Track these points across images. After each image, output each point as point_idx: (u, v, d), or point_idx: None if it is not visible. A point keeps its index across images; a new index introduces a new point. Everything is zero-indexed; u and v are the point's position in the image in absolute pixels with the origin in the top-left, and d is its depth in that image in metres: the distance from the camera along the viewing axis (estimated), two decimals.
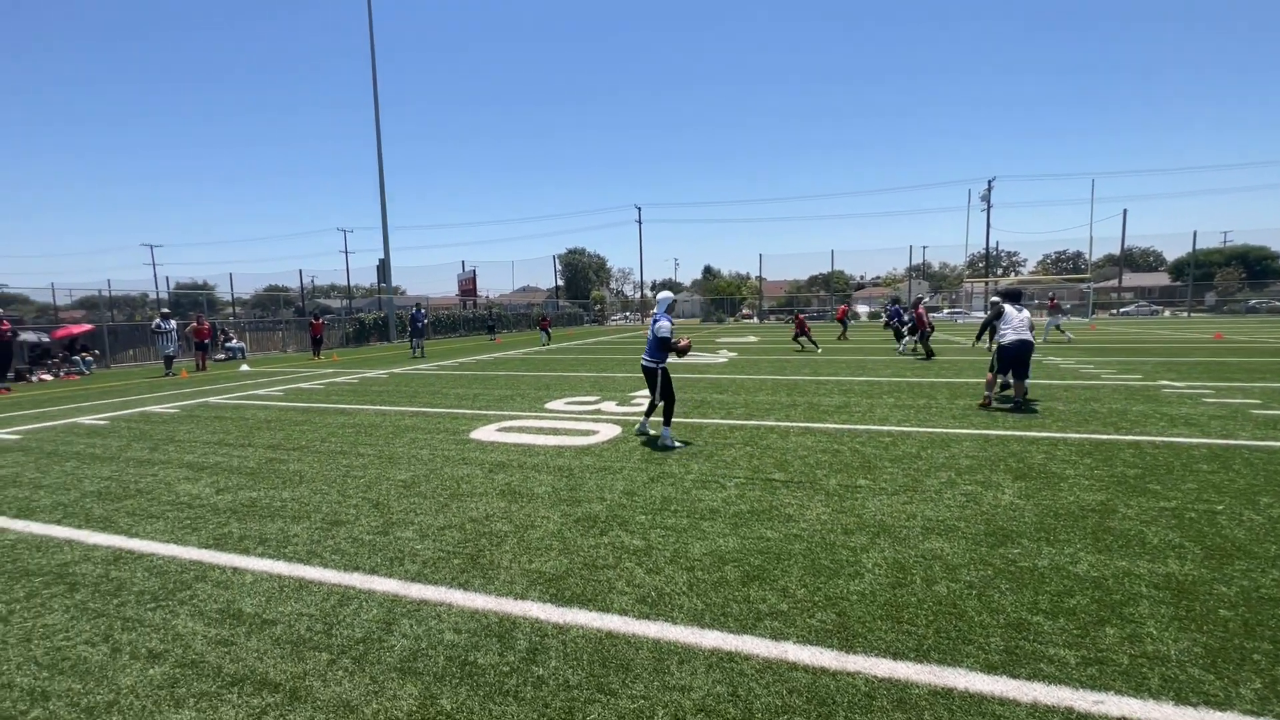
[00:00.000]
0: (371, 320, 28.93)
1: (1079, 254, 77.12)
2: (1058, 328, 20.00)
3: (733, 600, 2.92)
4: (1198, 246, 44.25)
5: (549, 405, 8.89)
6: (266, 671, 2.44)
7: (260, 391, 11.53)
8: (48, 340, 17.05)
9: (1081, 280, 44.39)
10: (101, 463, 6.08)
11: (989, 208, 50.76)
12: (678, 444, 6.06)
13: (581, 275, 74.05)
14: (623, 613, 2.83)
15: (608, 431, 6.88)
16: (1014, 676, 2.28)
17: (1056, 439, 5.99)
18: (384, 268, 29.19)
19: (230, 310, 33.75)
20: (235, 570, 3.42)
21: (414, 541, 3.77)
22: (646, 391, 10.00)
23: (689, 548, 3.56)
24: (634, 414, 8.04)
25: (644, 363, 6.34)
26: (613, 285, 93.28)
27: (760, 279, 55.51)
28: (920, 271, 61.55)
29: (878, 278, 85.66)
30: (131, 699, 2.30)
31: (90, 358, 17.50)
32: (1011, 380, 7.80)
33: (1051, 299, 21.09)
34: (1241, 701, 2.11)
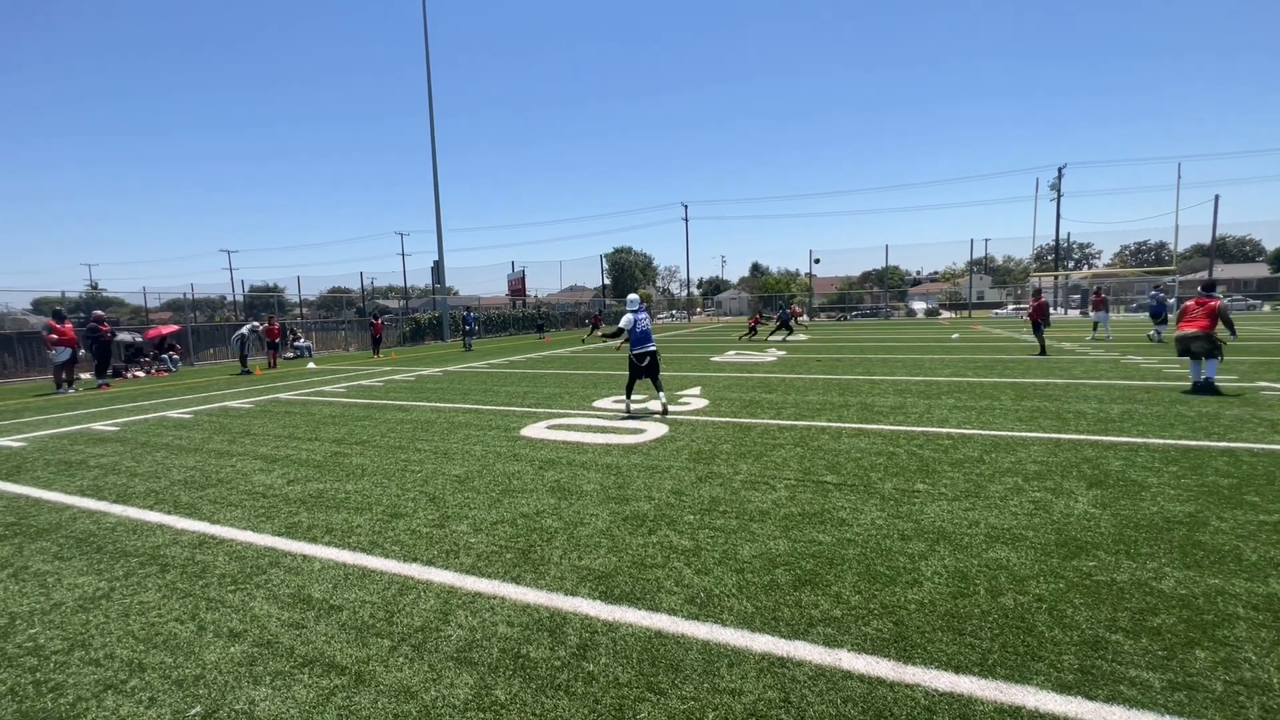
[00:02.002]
0: (427, 320, 30.02)
1: (1162, 244, 71.57)
2: (1096, 325, 18.50)
3: (784, 604, 2.87)
4: None
5: (597, 404, 8.98)
6: (334, 655, 2.58)
7: (326, 388, 12.17)
8: (140, 340, 18.55)
9: (1165, 273, 41.02)
10: (187, 454, 6.57)
11: (1059, 197, 47.76)
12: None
13: (628, 274, 74.47)
14: (672, 612, 2.83)
15: (656, 430, 6.88)
16: (1090, 698, 2.14)
17: (1137, 444, 5.58)
18: (438, 269, 30.21)
19: (298, 311, 35.77)
20: (305, 558, 3.62)
21: (468, 535, 3.89)
22: (695, 390, 9.97)
23: (738, 549, 3.52)
24: (683, 412, 8.02)
25: (653, 348, 7.92)
26: (659, 283, 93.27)
27: (811, 275, 54.21)
28: (982, 266, 58.53)
29: (935, 273, 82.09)
30: (215, 674, 2.48)
31: (177, 356, 18.94)
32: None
33: (1097, 293, 19.00)
34: None
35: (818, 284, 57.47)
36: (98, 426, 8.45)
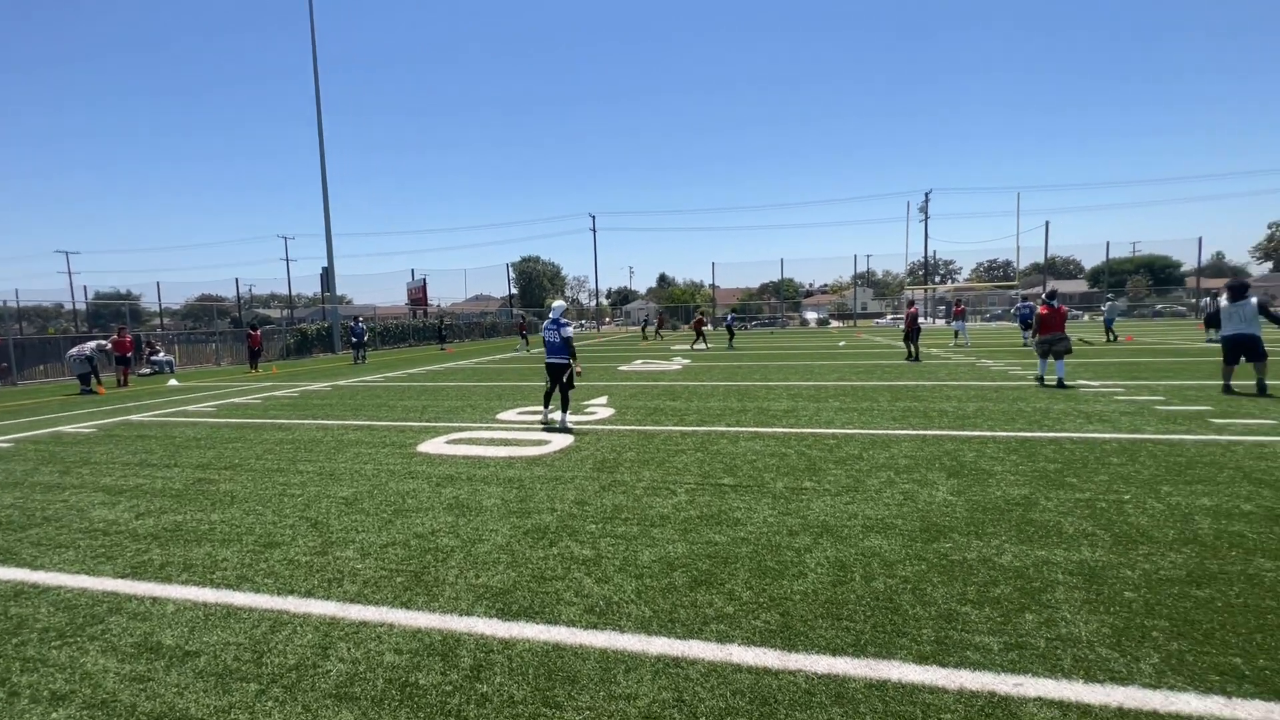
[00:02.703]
0: (314, 331, 27.73)
1: (1008, 262, 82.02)
2: (956, 334, 21.15)
3: (680, 606, 2.95)
4: (1110, 256, 47.85)
5: (501, 416, 8.75)
6: (187, 708, 2.30)
7: (190, 407, 10.85)
8: None
9: (1010, 287, 47.23)
10: (2, 490, 5.58)
11: (926, 219, 53.46)
12: (571, 425, 7.54)
13: (536, 283, 73.43)
14: (570, 624, 2.81)
15: (560, 441, 6.82)
16: (943, 665, 2.40)
17: (986, 437, 6.35)
18: (328, 276, 28.08)
19: (157, 321, 31.68)
20: (155, 600, 3.20)
21: (354, 561, 3.63)
22: (601, 400, 10.00)
23: (638, 555, 3.57)
24: (589, 421, 8.01)
25: (556, 361, 7.67)
26: (568, 293, 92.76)
27: (714, 287, 56.42)
28: (864, 279, 63.93)
29: (825, 286, 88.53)
30: None
31: None
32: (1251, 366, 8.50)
33: (957, 305, 22.13)
34: (1141, 676, 2.29)
35: (720, 295, 59.92)
36: None
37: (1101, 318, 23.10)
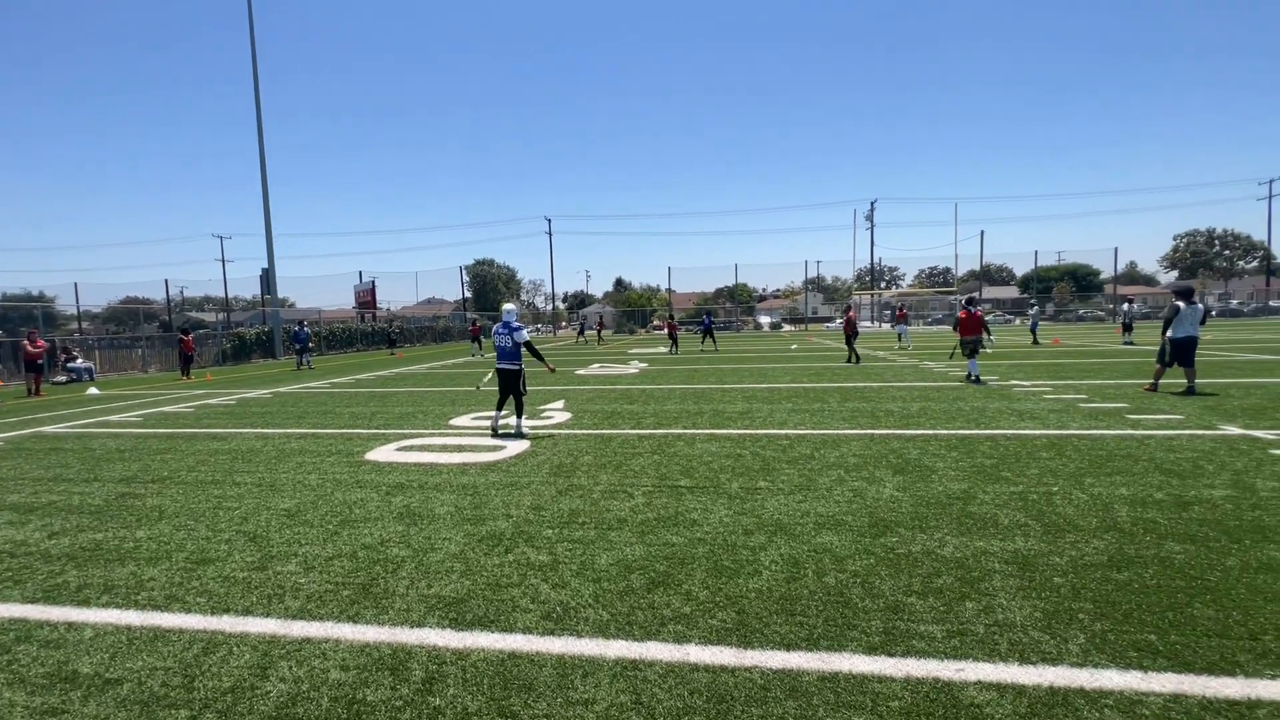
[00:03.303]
0: (254, 335, 26.34)
1: (947, 269, 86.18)
2: (900, 336, 22.14)
3: (638, 608, 2.95)
4: (1039, 264, 51.06)
5: (454, 422, 8.54)
6: None
7: (113, 418, 10.11)
8: None
9: (950, 293, 49.69)
10: None
11: (872, 227, 55.60)
12: (527, 431, 7.39)
13: (490, 287, 72.15)
14: (526, 631, 2.76)
15: (516, 447, 6.72)
16: (890, 655, 2.48)
17: (929, 436, 6.64)
18: (268, 277, 26.74)
19: (75, 325, 29.38)
20: (70, 625, 2.96)
21: (297, 575, 3.46)
22: (558, 404, 9.91)
23: (596, 559, 3.55)
24: (546, 426, 7.92)
25: (506, 367, 7.36)
26: (524, 296, 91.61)
27: (670, 291, 56.91)
28: (815, 285, 65.88)
29: (778, 290, 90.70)
30: None
31: None
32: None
33: (900, 310, 23.19)
34: (1070, 656, 2.44)
35: (676, 299, 60.49)
36: None
37: (1028, 323, 24.70)
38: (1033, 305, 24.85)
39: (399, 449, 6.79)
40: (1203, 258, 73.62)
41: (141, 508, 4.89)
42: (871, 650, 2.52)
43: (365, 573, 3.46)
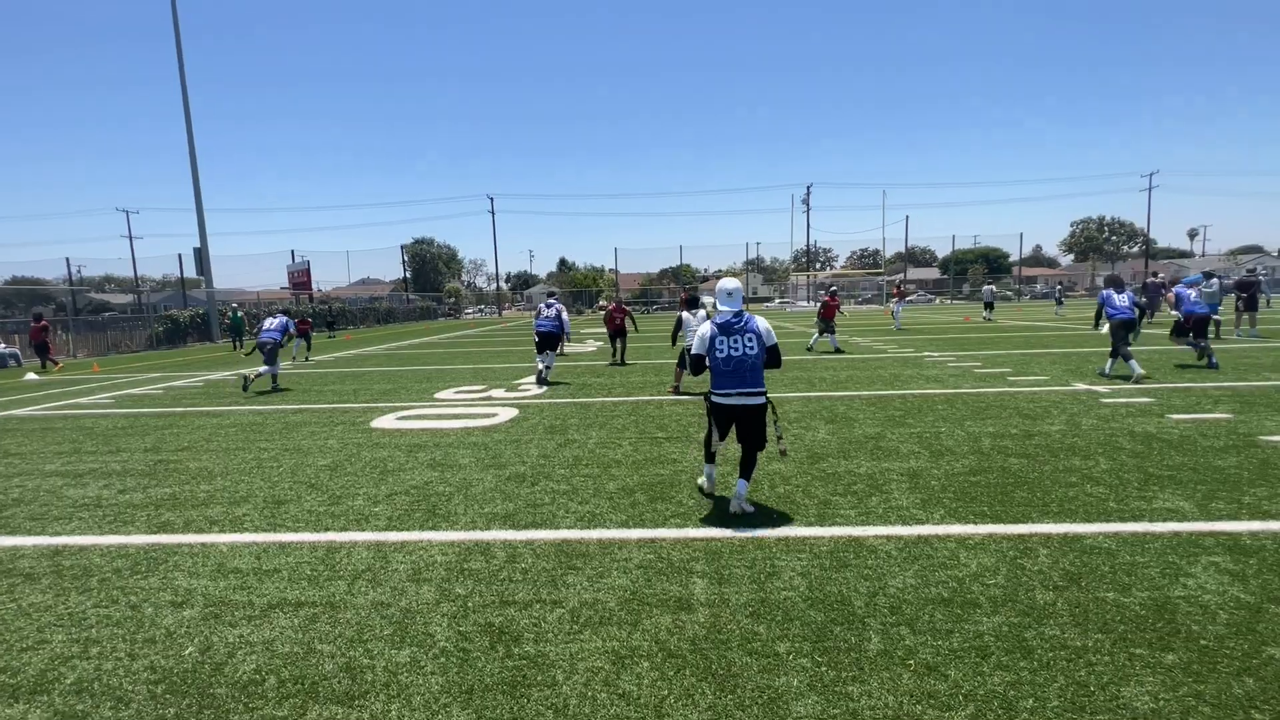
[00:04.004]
0: (189, 318, 25.28)
1: (877, 251, 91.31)
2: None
3: (646, 513, 4.06)
4: (956, 247, 55.37)
5: (439, 396, 9.31)
6: (297, 596, 3.03)
7: (82, 400, 10.15)
8: None
9: (878, 274, 53.22)
10: None
11: (808, 210, 58.30)
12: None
13: (430, 266, 70.37)
14: (570, 528, 3.82)
15: (506, 414, 7.64)
16: (822, 526, 3.72)
17: (854, 396, 8.08)
18: (201, 257, 25.61)
19: None
20: (204, 545, 3.75)
21: (368, 506, 4.35)
22: (531, 379, 10.80)
23: (605, 486, 4.63)
24: (526, 397, 8.84)
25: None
26: (465, 277, 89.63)
27: (615, 272, 57.71)
28: (755, 266, 68.40)
29: (719, 271, 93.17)
30: (166, 636, 2.78)
31: None
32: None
33: (831, 296, 24.09)
34: (932, 520, 3.75)
35: (622, 280, 61.38)
36: None
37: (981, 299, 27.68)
38: (988, 284, 27.87)
39: (399, 419, 7.56)
40: (1094, 242, 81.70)
41: (187, 469, 5.52)
42: (809, 524, 3.75)
43: (425, 503, 4.39)
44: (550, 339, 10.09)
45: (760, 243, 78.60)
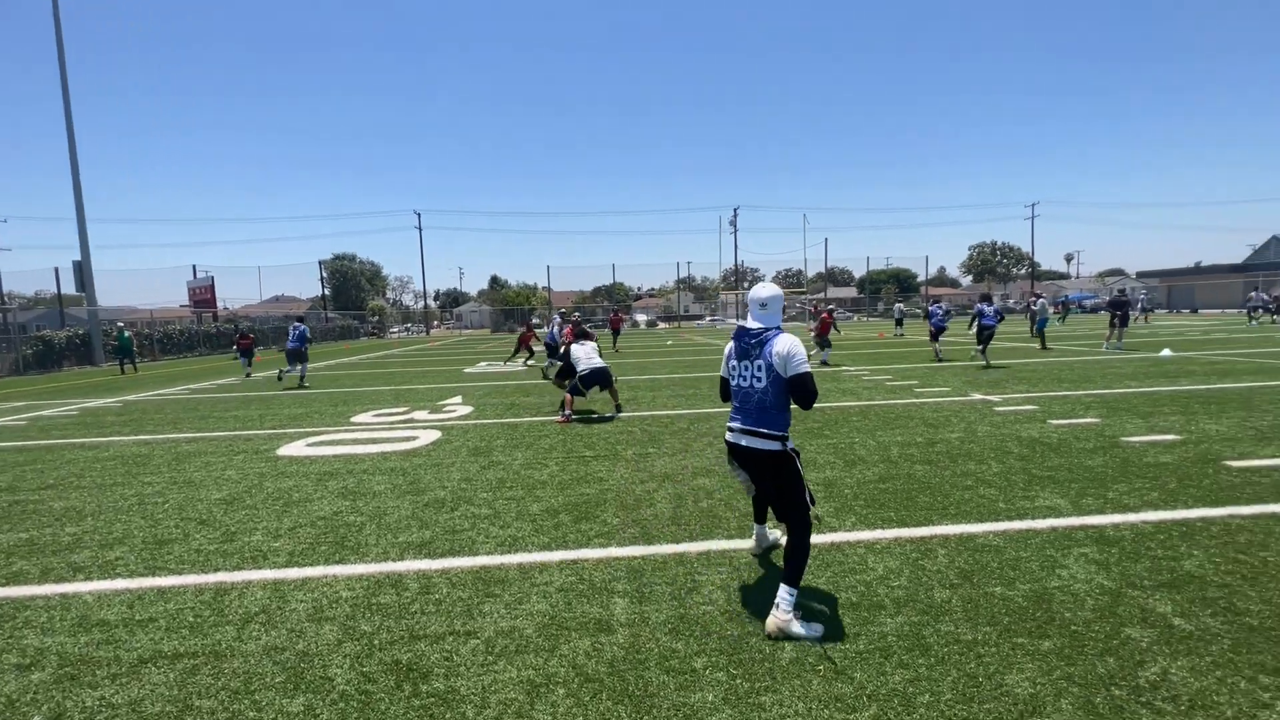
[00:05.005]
0: (65, 339, 22.62)
1: (799, 271, 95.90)
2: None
3: (570, 534, 4.00)
4: (870, 268, 59.18)
5: (355, 419, 8.81)
6: (175, 647, 2.73)
7: None
8: None
9: (801, 293, 55.92)
10: None
11: (735, 232, 60.49)
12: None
13: (352, 284, 66.96)
14: (489, 554, 3.69)
15: (428, 436, 7.33)
16: (743, 538, 3.80)
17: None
18: (83, 271, 23.08)
19: None
20: (64, 596, 3.32)
21: (268, 541, 4.01)
22: (456, 399, 10.45)
23: (529, 508, 4.52)
24: (451, 418, 8.53)
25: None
26: (389, 294, 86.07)
27: (549, 289, 57.28)
28: (686, 284, 70.03)
29: (653, 289, 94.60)
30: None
31: None
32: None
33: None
34: (845, 527, 3.93)
35: (555, 298, 60.98)
36: None
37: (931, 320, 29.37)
38: (899, 302, 29.80)
39: (310, 445, 7.07)
40: (989, 265, 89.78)
41: (50, 510, 4.89)
42: (729, 537, 3.82)
43: (332, 535, 4.11)
44: (601, 376, 8.39)
45: (691, 262, 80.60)
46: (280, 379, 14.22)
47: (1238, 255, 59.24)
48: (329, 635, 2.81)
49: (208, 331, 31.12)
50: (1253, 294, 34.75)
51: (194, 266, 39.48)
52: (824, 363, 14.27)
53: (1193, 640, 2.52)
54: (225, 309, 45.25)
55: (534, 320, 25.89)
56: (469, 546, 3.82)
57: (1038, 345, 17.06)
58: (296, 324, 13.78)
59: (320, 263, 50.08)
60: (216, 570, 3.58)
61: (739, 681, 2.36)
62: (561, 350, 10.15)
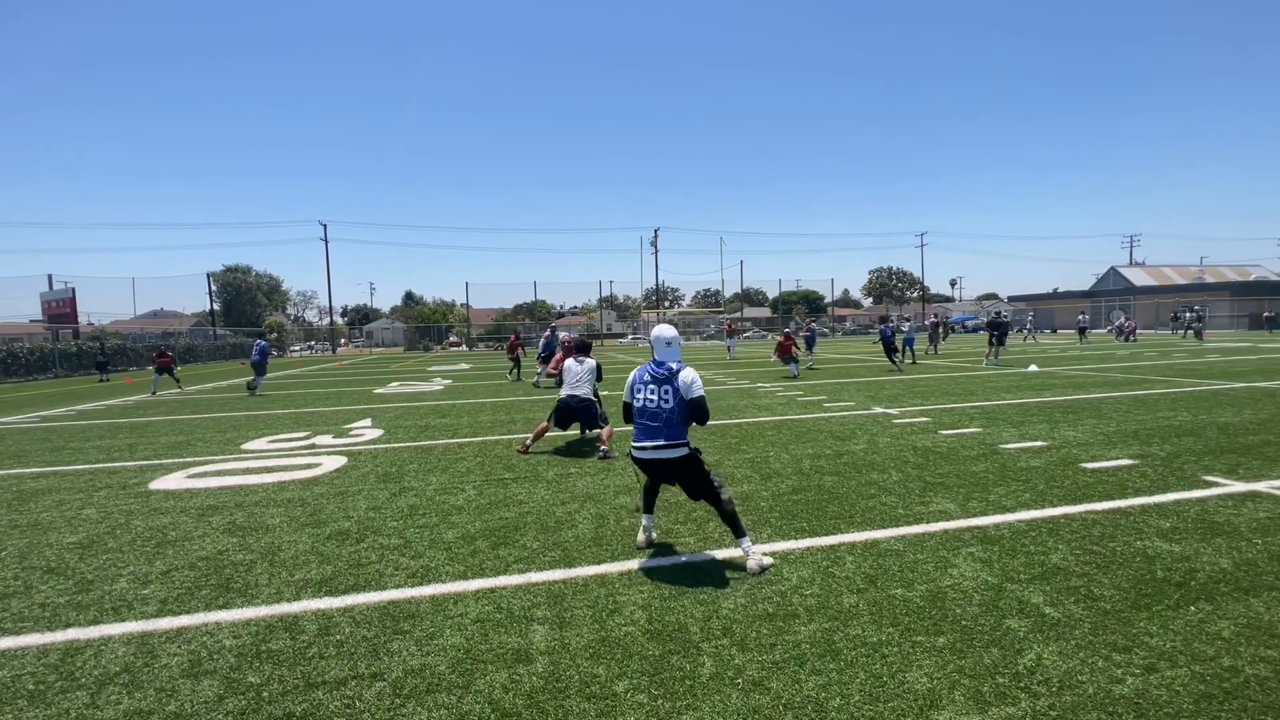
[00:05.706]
0: None
1: (717, 291, 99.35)
2: (729, 349, 26.22)
3: (487, 561, 3.84)
4: (782, 289, 62.45)
5: (247, 446, 8.03)
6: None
7: None
8: None
9: (719, 313, 57.93)
10: None
11: (656, 252, 61.84)
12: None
13: (247, 298, 61.53)
14: (398, 587, 3.46)
15: (332, 463, 6.82)
16: (662, 558, 3.81)
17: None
18: None
19: None
20: None
21: (134, 589, 3.54)
22: (365, 421, 9.84)
23: (443, 536, 4.30)
24: (358, 442, 7.99)
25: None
26: (290, 310, 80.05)
27: (467, 306, 55.58)
28: (609, 303, 70.45)
29: (575, 307, 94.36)
30: None
31: None
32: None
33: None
34: (763, 538, 4.05)
35: (474, 315, 59.25)
36: None
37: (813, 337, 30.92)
38: (907, 321, 31.24)
39: (190, 476, 6.36)
40: (886, 288, 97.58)
41: None
42: (652, 557, 3.83)
43: (216, 576, 3.70)
44: (579, 413, 7.07)
45: (613, 281, 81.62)
46: (253, 393, 15.14)
47: (1086, 283, 68.24)
48: (207, 691, 2.50)
49: (66, 350, 27.33)
50: (1121, 319, 35.96)
51: (50, 276, 34.80)
52: (794, 376, 15.52)
53: (1060, 626, 2.82)
54: (90, 324, 40.11)
55: (452, 338, 25.10)
56: (376, 580, 3.56)
57: (909, 360, 19.20)
58: (260, 341, 16.09)
59: (209, 275, 45.66)
60: (67, 626, 3.10)
61: (660, 702, 2.35)
62: (550, 367, 9.21)
